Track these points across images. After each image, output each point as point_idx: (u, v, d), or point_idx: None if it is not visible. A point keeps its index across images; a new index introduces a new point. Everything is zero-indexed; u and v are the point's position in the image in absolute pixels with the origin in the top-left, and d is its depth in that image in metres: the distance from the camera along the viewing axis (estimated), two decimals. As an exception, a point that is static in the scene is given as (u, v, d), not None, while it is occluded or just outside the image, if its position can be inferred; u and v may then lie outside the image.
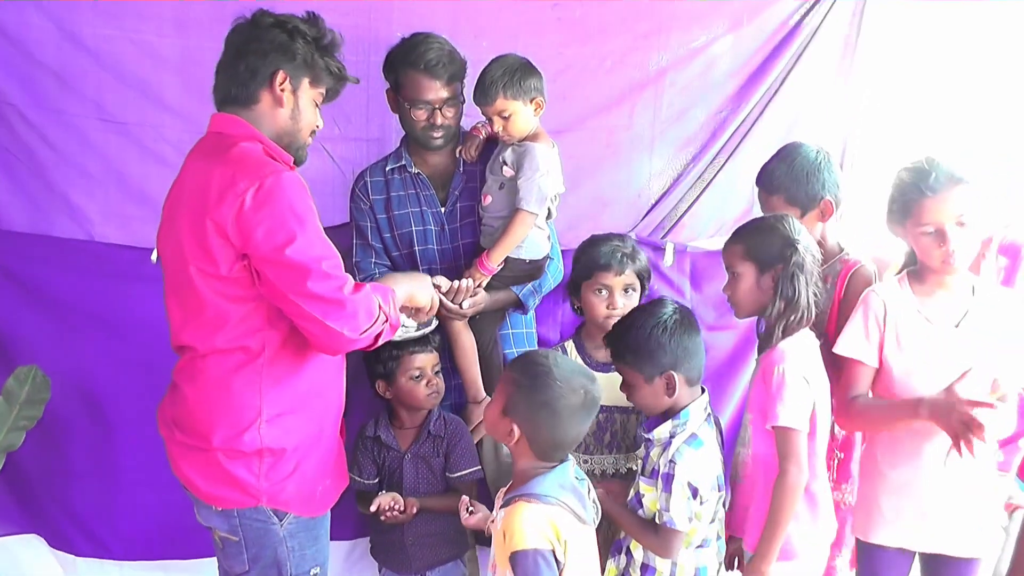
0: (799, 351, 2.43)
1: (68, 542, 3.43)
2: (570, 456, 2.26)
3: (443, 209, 3.03)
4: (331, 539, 2.52)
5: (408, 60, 2.84)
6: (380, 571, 2.99)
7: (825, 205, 2.71)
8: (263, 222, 2.12)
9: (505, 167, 2.85)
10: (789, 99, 3.40)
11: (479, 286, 2.91)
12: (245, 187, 2.12)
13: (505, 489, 2.28)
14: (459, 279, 2.87)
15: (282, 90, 2.28)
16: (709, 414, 2.48)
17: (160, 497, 3.29)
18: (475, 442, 2.96)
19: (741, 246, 2.52)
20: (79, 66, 3.13)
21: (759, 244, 2.48)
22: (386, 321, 2.29)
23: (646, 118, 3.39)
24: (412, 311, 2.55)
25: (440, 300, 2.81)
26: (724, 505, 2.52)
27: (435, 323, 2.70)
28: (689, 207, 3.42)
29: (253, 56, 2.27)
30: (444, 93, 2.85)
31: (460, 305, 2.87)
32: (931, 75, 3.41)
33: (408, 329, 2.59)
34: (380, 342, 2.31)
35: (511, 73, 2.77)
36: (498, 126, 2.82)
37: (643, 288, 2.95)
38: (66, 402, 3.28)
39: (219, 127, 2.32)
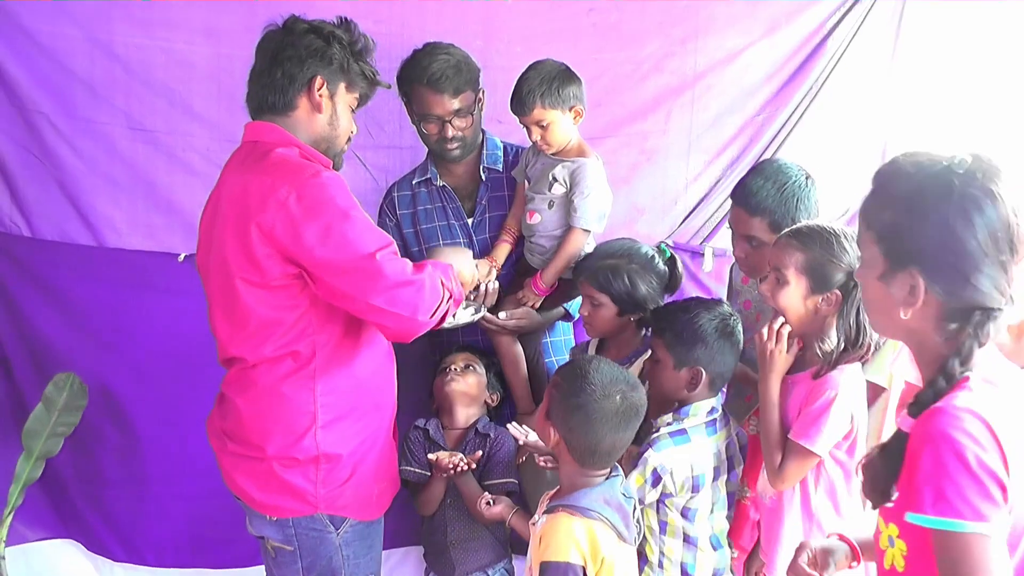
0: (852, 383, 2.26)
1: (105, 547, 3.38)
2: (620, 471, 2.18)
3: (470, 220, 2.93)
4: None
5: (413, 75, 2.73)
6: (428, 574, 2.93)
7: None
8: (312, 225, 2.06)
9: (556, 184, 2.71)
10: (828, 102, 3.29)
11: (532, 306, 2.81)
12: (287, 192, 2.05)
13: (551, 494, 2.22)
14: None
15: (320, 96, 2.21)
16: (715, 420, 2.39)
17: (190, 506, 3.27)
18: (523, 457, 2.86)
19: (801, 254, 2.23)
20: (109, 75, 3.06)
21: (822, 261, 2.21)
22: (450, 298, 2.25)
23: (682, 123, 3.30)
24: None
25: (483, 318, 2.75)
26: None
27: (484, 309, 2.68)
28: (728, 213, 3.30)
29: (289, 62, 2.19)
30: (452, 105, 2.73)
31: (496, 314, 2.78)
32: (970, 75, 3.28)
33: (460, 317, 2.55)
34: (446, 320, 2.27)
35: (548, 81, 2.63)
36: (536, 135, 2.69)
37: (619, 300, 2.60)
38: (98, 409, 3.23)
39: (254, 135, 2.24)
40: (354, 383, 2.24)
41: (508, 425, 2.59)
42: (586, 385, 2.08)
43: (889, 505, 1.52)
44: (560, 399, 2.13)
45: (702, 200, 3.35)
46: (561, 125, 2.68)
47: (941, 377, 1.47)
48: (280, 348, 2.16)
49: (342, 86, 2.24)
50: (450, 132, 2.77)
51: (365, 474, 2.29)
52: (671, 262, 2.68)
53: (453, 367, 2.82)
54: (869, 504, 1.60)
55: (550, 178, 2.72)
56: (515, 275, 2.90)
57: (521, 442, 2.56)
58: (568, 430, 2.10)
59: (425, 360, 3.03)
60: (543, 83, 2.63)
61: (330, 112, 2.24)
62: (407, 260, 2.19)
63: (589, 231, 2.74)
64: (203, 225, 2.27)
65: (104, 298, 3.20)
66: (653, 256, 2.64)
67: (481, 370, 2.86)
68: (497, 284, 2.79)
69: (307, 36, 2.20)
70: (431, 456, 2.66)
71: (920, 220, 1.46)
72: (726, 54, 3.26)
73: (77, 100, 3.07)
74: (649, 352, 2.55)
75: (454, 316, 2.55)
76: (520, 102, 2.66)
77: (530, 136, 2.71)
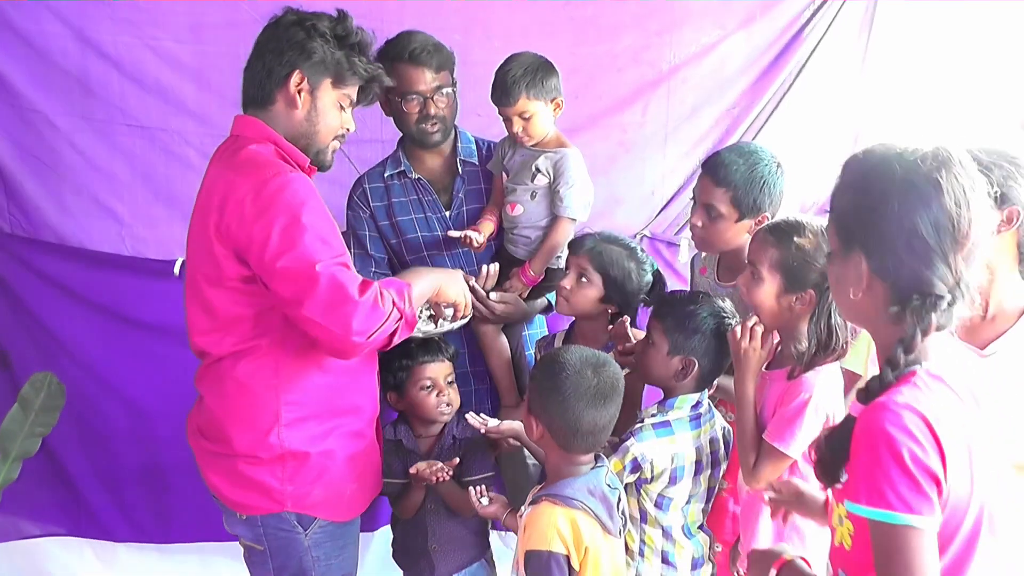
0: (828, 385, 2.19)
1: (108, 530, 3.42)
2: (606, 463, 2.16)
3: (448, 213, 2.88)
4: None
5: (393, 54, 2.69)
6: None
7: (762, 220, 2.43)
8: (260, 225, 1.99)
9: (539, 175, 2.70)
10: (802, 95, 3.30)
11: (520, 296, 2.78)
12: (245, 192, 2.00)
13: (539, 487, 2.19)
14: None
15: (299, 91, 2.13)
16: (700, 414, 2.36)
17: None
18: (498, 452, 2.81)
19: (776, 251, 2.17)
20: (102, 73, 3.09)
21: (797, 260, 2.14)
22: (400, 319, 2.10)
23: (659, 115, 3.31)
24: (445, 307, 2.39)
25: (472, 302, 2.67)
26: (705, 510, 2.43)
27: (469, 316, 2.53)
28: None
29: (270, 55, 2.13)
30: (434, 82, 2.70)
31: (488, 297, 2.73)
32: (942, 68, 3.27)
33: (443, 325, 2.46)
34: (396, 340, 2.14)
35: (533, 72, 2.61)
36: (517, 127, 2.66)
37: (609, 285, 2.56)
38: (105, 396, 3.29)
39: (237, 129, 2.21)
40: (324, 384, 2.17)
41: (467, 415, 2.51)
42: (558, 367, 2.07)
43: (839, 487, 1.55)
44: (537, 388, 2.12)
45: (678, 191, 3.36)
46: (543, 116, 2.67)
47: (887, 365, 1.48)
48: (243, 342, 2.11)
49: (326, 81, 2.15)
50: (432, 110, 2.71)
51: (337, 474, 2.22)
52: (657, 275, 2.65)
53: (441, 388, 2.62)
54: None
55: (533, 169, 2.70)
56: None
57: (483, 431, 2.49)
58: (548, 416, 2.08)
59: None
60: (527, 74, 2.61)
61: (308, 108, 2.15)
62: (356, 276, 2.07)
63: (575, 220, 2.74)
64: (191, 220, 2.23)
65: (111, 291, 3.25)
66: (647, 265, 2.63)
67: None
68: (497, 266, 2.74)
69: (291, 29, 2.13)
70: (412, 470, 2.53)
71: (864, 204, 1.49)
72: (701, 47, 3.26)
73: (73, 98, 3.11)
74: (612, 351, 2.52)
75: (422, 332, 2.44)
76: (505, 93, 2.63)
77: (511, 128, 2.69)
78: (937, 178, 1.44)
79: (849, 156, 1.58)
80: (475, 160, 2.91)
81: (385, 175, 2.87)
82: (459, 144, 2.89)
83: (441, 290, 2.33)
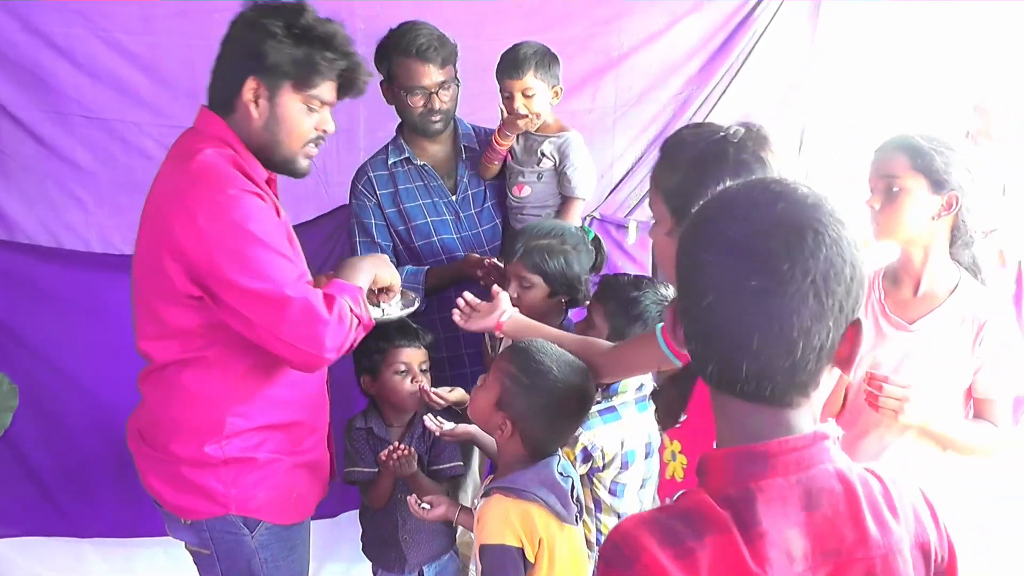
0: None
1: (74, 527, 3.38)
2: (559, 451, 2.12)
3: (455, 198, 2.90)
4: (314, 518, 2.34)
5: (399, 47, 2.71)
6: (375, 571, 2.77)
7: None
8: (223, 247, 1.87)
9: (545, 159, 2.81)
10: (749, 80, 3.32)
11: None
12: (198, 207, 1.87)
13: (491, 478, 2.16)
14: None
15: (256, 99, 1.95)
16: (645, 396, 2.34)
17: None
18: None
19: None
20: (54, 65, 3.04)
21: None
22: (359, 324, 2.01)
23: (608, 101, 3.33)
24: (379, 293, 2.25)
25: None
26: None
27: (419, 304, 2.42)
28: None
29: (225, 60, 1.97)
30: (439, 77, 2.72)
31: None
32: (888, 52, 3.30)
33: (390, 313, 2.32)
34: (354, 346, 2.06)
35: (542, 54, 2.72)
36: (519, 103, 2.72)
37: (551, 280, 2.49)
38: (71, 395, 3.25)
39: (199, 122, 2.04)
40: (272, 398, 2.09)
41: (424, 418, 2.47)
42: (551, 382, 1.98)
43: (676, 425, 1.69)
44: (520, 394, 2.00)
45: (626, 175, 3.38)
46: (544, 98, 2.76)
47: None
48: (191, 352, 2.00)
49: (287, 85, 1.95)
50: (437, 104, 2.73)
51: (284, 479, 2.14)
52: (596, 242, 2.62)
53: (415, 374, 2.59)
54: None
55: (539, 154, 2.81)
56: (501, 251, 2.87)
57: (438, 434, 2.44)
58: (530, 425, 2.01)
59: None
60: (537, 54, 2.72)
61: (266, 117, 1.97)
62: (318, 293, 1.96)
63: (585, 199, 2.85)
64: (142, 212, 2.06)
65: (78, 286, 3.22)
66: (582, 236, 2.58)
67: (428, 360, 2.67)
68: (495, 260, 2.72)
69: (244, 29, 1.95)
70: (382, 455, 2.49)
71: (701, 182, 1.56)
72: (649, 34, 3.27)
73: (31, 91, 3.06)
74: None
75: (383, 312, 2.33)
76: (515, 67, 2.70)
77: (512, 104, 2.73)
78: (762, 155, 1.60)
79: (671, 138, 1.71)
80: (475, 145, 2.95)
81: (389, 162, 2.86)
82: (458, 130, 2.93)
83: (377, 277, 2.20)
